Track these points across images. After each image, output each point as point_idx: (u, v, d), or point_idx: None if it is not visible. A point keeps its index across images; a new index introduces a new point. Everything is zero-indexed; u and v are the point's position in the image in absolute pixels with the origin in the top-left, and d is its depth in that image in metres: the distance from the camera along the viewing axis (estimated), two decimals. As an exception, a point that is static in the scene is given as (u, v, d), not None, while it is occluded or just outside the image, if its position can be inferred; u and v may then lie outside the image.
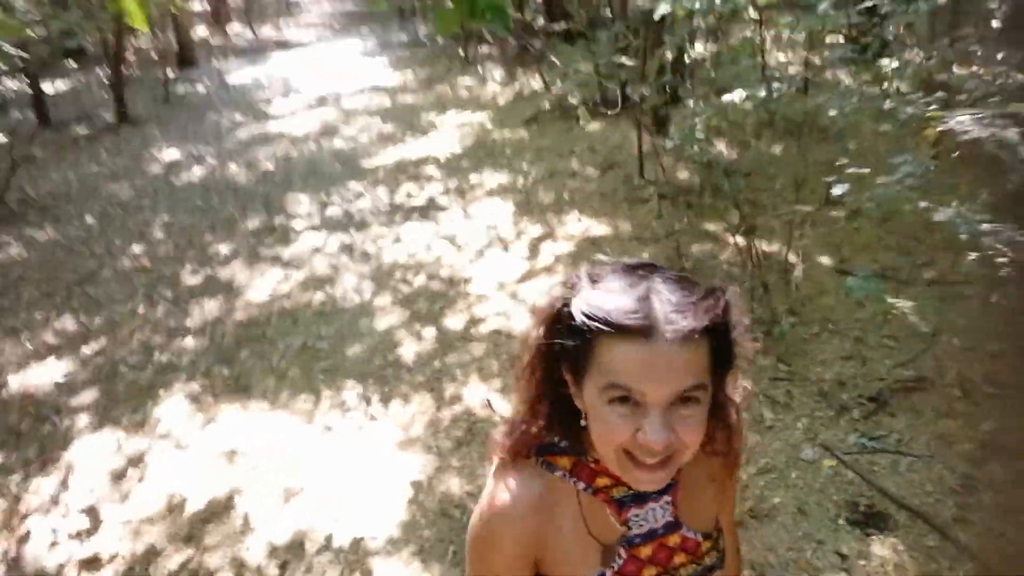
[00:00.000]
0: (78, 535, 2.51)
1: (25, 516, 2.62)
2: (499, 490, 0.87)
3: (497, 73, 9.49)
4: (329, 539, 2.42)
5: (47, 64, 9.03)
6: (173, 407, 3.19)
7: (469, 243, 4.58)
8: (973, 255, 2.12)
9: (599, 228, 4.56)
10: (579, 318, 0.75)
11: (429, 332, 3.63)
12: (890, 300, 2.76)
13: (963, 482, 2.34)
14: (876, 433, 2.61)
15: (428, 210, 5.20)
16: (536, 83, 8.41)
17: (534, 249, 4.41)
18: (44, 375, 3.49)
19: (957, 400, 2.70)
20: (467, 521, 0.92)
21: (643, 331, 0.72)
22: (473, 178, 5.75)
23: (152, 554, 2.41)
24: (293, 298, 4.09)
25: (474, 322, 3.67)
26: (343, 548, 2.38)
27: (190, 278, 4.43)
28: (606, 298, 0.75)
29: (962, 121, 2.11)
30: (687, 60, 6.01)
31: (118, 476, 2.80)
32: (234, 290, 4.24)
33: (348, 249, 4.68)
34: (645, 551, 0.87)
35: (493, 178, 5.71)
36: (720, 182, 3.75)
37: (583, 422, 0.81)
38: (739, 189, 3.69)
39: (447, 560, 2.29)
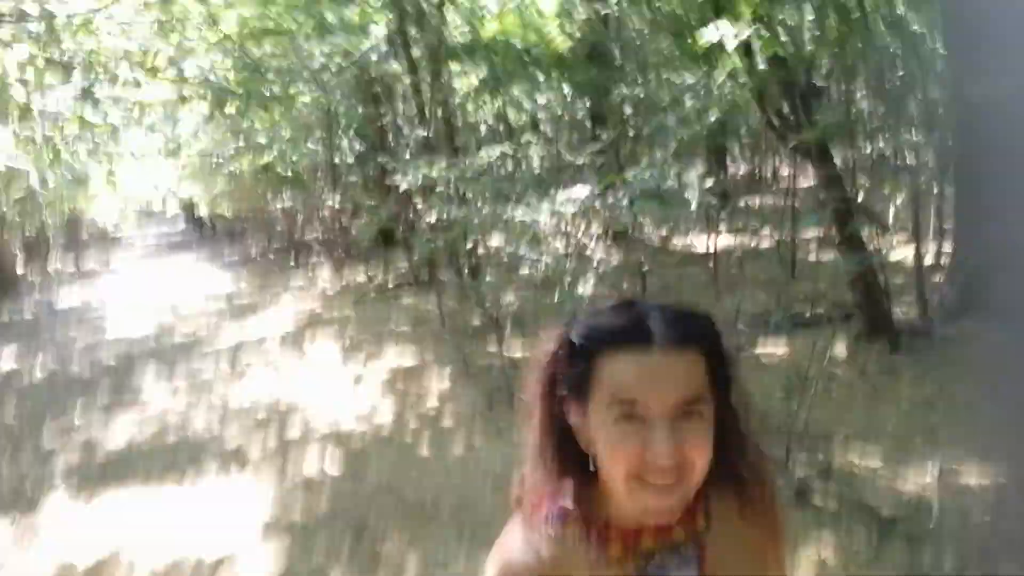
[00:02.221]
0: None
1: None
2: (506, 551, 0.87)
3: (326, 273, 11.16)
4: (199, 561, 3.33)
5: None
6: (56, 505, 3.93)
7: (304, 385, 5.76)
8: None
9: (409, 360, 5.99)
10: (578, 340, 0.81)
11: (272, 442, 4.70)
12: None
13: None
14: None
15: (267, 369, 6.35)
16: (362, 277, 10.16)
17: (358, 380, 5.70)
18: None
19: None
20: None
21: (640, 340, 0.77)
22: (307, 344, 7.04)
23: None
24: (151, 441, 4.97)
25: (309, 428, 4.81)
26: (208, 559, 3.30)
27: (49, 443, 5.15)
28: (603, 320, 0.82)
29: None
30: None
31: (15, 544, 3.49)
32: (92, 444, 5.02)
33: (196, 404, 5.65)
34: None
35: (324, 342, 7.04)
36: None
37: (591, 467, 0.82)
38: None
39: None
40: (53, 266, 16.58)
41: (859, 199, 4.31)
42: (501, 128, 11.42)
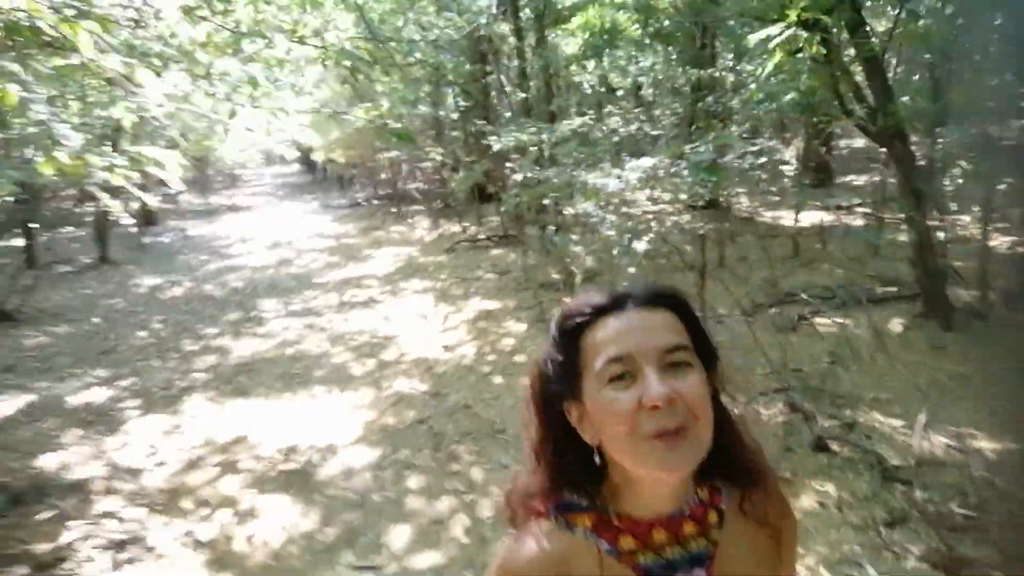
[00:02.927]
0: (151, 455, 4.13)
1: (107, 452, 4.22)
2: (514, 549, 0.86)
3: (424, 223, 11.99)
4: (311, 446, 4.13)
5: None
6: (195, 405, 4.88)
7: (400, 320, 6.56)
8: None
9: (493, 305, 6.66)
10: (561, 325, 0.86)
11: (371, 362, 5.50)
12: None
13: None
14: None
15: (368, 304, 7.20)
16: (456, 228, 10.90)
17: (446, 318, 6.43)
18: (96, 395, 5.11)
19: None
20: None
21: (616, 305, 0.83)
22: (403, 284, 7.85)
23: (199, 460, 4.06)
24: (272, 352, 5.90)
25: (403, 355, 5.57)
26: (317, 446, 4.10)
27: (190, 346, 6.19)
28: (577, 303, 0.87)
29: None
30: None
31: (165, 434, 4.44)
32: (225, 350, 6.02)
33: (309, 327, 6.57)
34: None
35: (419, 284, 7.83)
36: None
37: (597, 458, 0.84)
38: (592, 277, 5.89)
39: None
40: (183, 199, 18.37)
41: (926, 183, 4.48)
42: (603, 90, 11.74)
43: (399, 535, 3.18)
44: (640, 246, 3.46)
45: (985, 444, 3.36)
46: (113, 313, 7.52)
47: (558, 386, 0.85)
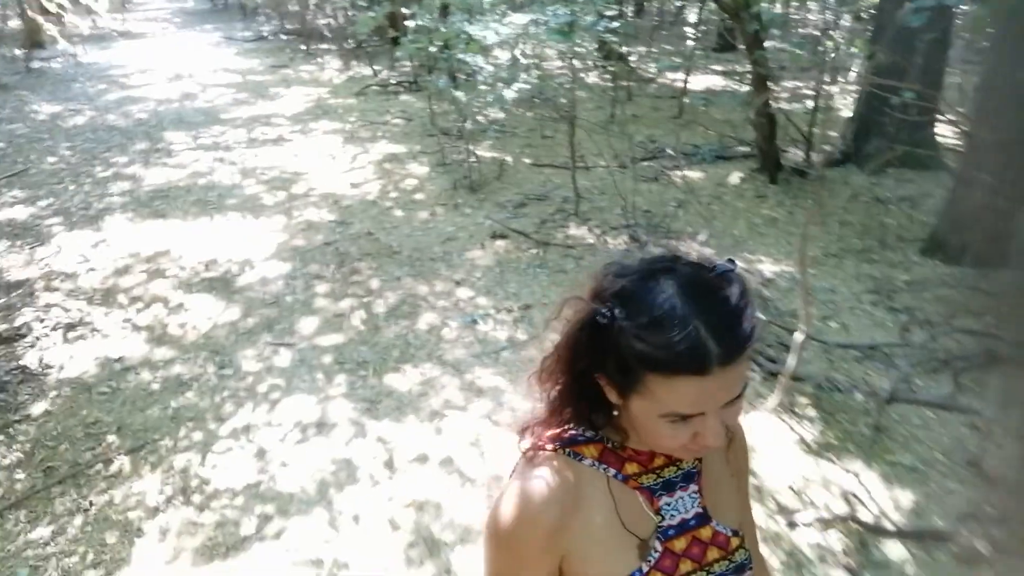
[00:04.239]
0: (83, 263, 4.74)
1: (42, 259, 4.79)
2: (524, 481, 0.90)
3: (335, 63, 12.04)
4: (229, 259, 4.84)
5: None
6: (116, 223, 5.43)
7: (309, 158, 7.09)
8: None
9: (398, 148, 7.27)
10: (628, 356, 0.79)
11: (282, 194, 6.11)
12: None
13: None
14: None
15: (278, 141, 7.64)
16: (367, 71, 11.09)
17: (354, 159, 7.02)
18: (18, 213, 5.55)
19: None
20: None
21: (698, 368, 0.76)
22: (312, 124, 8.27)
23: (128, 268, 4.71)
24: (184, 182, 6.39)
25: (311, 189, 6.21)
26: (235, 260, 4.81)
27: (102, 173, 6.57)
28: (652, 334, 0.77)
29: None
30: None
31: (92, 246, 5.02)
32: (138, 178, 6.45)
33: (219, 160, 7.01)
34: (679, 544, 0.91)
35: (328, 125, 8.26)
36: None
37: (615, 412, 0.88)
38: (485, 129, 6.53)
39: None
40: (69, 21, 17.18)
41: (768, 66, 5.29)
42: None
43: (308, 324, 4.04)
44: (509, 94, 4.13)
45: (768, 267, 4.47)
46: (16, 138, 7.64)
47: (603, 370, 0.84)
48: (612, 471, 0.90)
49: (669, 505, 0.91)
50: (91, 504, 2.73)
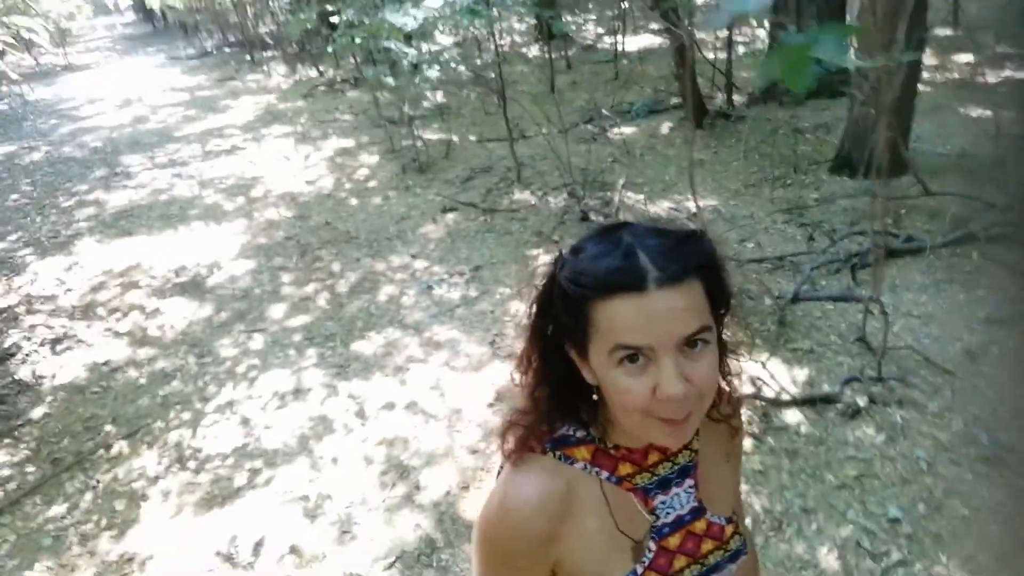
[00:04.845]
0: (60, 285, 5.06)
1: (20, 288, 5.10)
2: (513, 486, 0.87)
3: (281, 68, 12.28)
4: (198, 263, 5.17)
5: None
6: (85, 246, 5.73)
7: (264, 163, 7.39)
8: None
9: (348, 142, 7.59)
10: (568, 288, 0.79)
11: (241, 199, 6.43)
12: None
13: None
14: (468, 189, 5.83)
15: (232, 151, 7.94)
16: (313, 72, 11.36)
17: (307, 157, 7.34)
18: (-12, 249, 5.84)
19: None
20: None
21: (634, 284, 0.75)
22: (264, 131, 8.56)
23: (102, 284, 5.02)
24: (146, 200, 6.68)
25: (269, 191, 6.53)
26: (203, 263, 5.14)
27: (65, 202, 6.85)
28: (591, 263, 0.78)
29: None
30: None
31: (66, 270, 5.33)
32: (101, 203, 6.74)
33: (177, 176, 7.31)
34: (673, 541, 0.90)
35: (280, 129, 8.55)
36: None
37: (595, 397, 0.85)
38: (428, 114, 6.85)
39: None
40: (7, 60, 17.21)
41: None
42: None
43: (277, 310, 4.39)
44: (432, 73, 4.47)
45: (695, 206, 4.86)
46: (-26, 181, 7.88)
47: (560, 331, 0.84)
48: (605, 474, 0.88)
49: (664, 503, 0.91)
50: (98, 482, 3.09)
